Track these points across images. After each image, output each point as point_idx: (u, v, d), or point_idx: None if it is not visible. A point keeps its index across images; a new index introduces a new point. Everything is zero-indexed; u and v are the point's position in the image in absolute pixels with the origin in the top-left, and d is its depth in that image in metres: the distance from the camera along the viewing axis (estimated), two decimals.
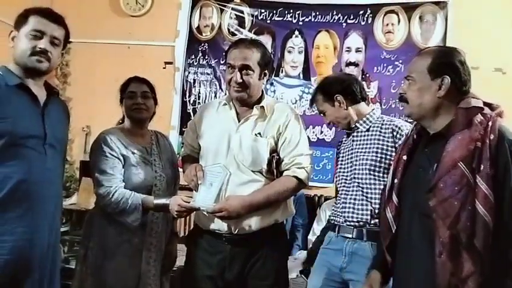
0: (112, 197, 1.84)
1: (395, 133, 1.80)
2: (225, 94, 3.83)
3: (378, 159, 1.80)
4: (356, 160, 1.85)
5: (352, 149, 1.89)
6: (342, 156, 1.95)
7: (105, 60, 3.93)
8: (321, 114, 1.99)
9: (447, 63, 1.36)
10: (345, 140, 1.98)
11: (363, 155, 1.83)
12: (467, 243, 1.21)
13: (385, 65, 3.59)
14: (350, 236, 1.80)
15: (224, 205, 1.69)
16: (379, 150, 1.81)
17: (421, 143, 1.45)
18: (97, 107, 3.73)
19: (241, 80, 1.76)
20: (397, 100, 3.30)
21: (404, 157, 1.45)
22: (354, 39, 3.64)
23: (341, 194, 1.89)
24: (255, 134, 1.78)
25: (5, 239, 1.47)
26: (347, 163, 1.89)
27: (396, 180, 1.45)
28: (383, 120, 1.88)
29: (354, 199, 1.82)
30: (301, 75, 3.77)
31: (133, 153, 1.95)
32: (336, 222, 1.87)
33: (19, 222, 1.49)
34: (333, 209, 1.93)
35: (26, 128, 1.53)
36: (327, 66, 3.72)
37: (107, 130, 1.99)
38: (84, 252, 1.92)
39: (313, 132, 3.64)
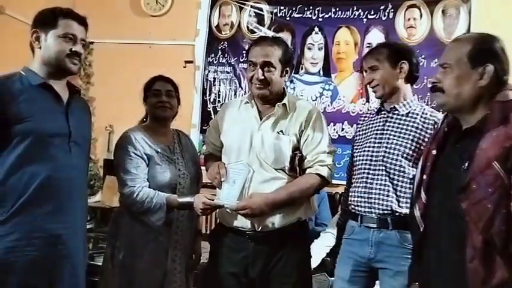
0: (136, 196, 1.85)
1: (436, 126, 1.71)
2: (245, 92, 3.87)
3: (413, 148, 1.73)
4: (387, 143, 1.76)
5: (384, 130, 1.80)
6: (366, 135, 1.86)
7: (127, 60, 3.98)
8: (366, 70, 1.84)
9: (489, 50, 1.27)
10: (373, 118, 1.88)
11: (398, 140, 1.75)
12: (501, 249, 1.14)
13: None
14: (375, 225, 1.74)
15: (247, 203, 1.69)
16: (415, 139, 1.74)
17: (452, 137, 1.36)
18: (119, 107, 3.77)
19: (262, 77, 1.76)
20: (420, 96, 3.24)
21: (434, 151, 1.37)
22: (375, 35, 3.59)
23: (362, 177, 1.80)
24: (277, 132, 1.78)
25: (34, 236, 1.50)
26: (374, 144, 1.80)
27: (425, 177, 1.38)
28: (424, 109, 1.80)
29: (380, 185, 1.74)
30: (321, 72, 3.74)
31: (157, 152, 1.96)
32: (358, 212, 1.79)
33: (47, 218, 1.52)
34: (352, 195, 1.82)
35: (51, 126, 1.55)
36: (348, 62, 3.68)
37: (132, 129, 2.01)
38: (111, 251, 1.94)
39: (334, 129, 3.60)
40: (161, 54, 3.92)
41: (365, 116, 1.97)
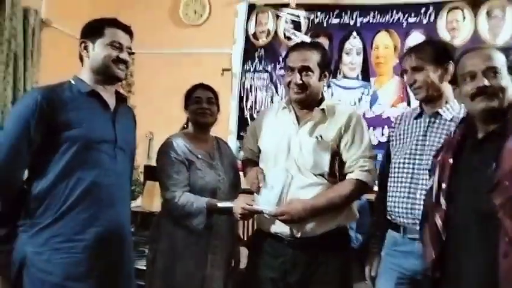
0: (177, 201, 1.90)
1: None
2: (281, 98, 3.88)
3: None
4: (431, 150, 1.69)
5: (426, 136, 1.75)
6: (406, 140, 1.80)
7: (166, 69, 4.08)
8: (407, 70, 1.77)
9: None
10: (412, 121, 1.82)
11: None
12: None
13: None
14: (418, 237, 1.67)
15: (286, 208, 1.69)
16: None
17: (467, 145, 1.42)
18: (159, 114, 3.86)
19: (301, 82, 1.77)
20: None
21: (451, 160, 1.41)
22: (416, 38, 3.50)
23: (404, 186, 1.74)
24: (316, 137, 1.78)
25: (79, 238, 1.55)
26: (416, 151, 1.74)
27: (444, 185, 1.39)
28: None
29: (424, 195, 1.66)
30: (359, 76, 3.68)
31: (198, 157, 2.00)
32: (399, 223, 1.74)
33: (92, 223, 1.57)
34: (392, 205, 1.76)
35: (99, 133, 1.61)
36: (388, 66, 3.61)
37: (173, 135, 2.06)
38: (153, 255, 1.99)
39: (374, 134, 3.53)
40: (200, 62, 3.99)
41: (401, 119, 1.90)
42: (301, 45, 1.85)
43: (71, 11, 3.73)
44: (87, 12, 3.71)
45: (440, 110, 1.76)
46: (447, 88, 1.76)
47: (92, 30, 1.66)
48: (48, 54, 3.47)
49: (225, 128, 3.85)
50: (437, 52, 1.76)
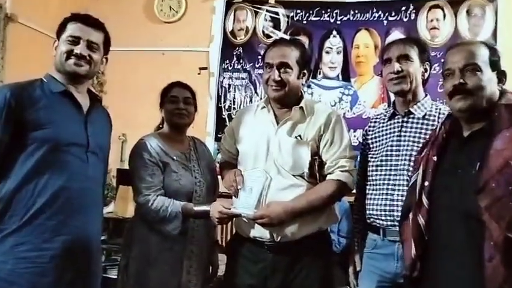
0: (151, 205, 1.87)
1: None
2: (261, 98, 3.88)
3: None
4: (407, 150, 1.75)
5: (401, 136, 1.79)
6: (382, 142, 1.84)
7: (140, 68, 4.05)
8: (392, 59, 1.79)
9: (498, 57, 1.40)
10: (386, 123, 1.87)
11: (418, 145, 1.72)
12: None
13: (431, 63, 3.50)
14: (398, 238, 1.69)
15: (265, 211, 1.69)
16: None
17: (452, 143, 1.42)
18: (132, 115, 3.83)
19: (279, 78, 1.77)
20: (444, 100, 3.19)
21: (435, 158, 1.42)
22: (397, 37, 3.54)
23: (382, 188, 1.78)
24: (295, 137, 1.78)
25: (46, 247, 1.50)
26: (392, 152, 1.79)
27: (427, 183, 1.41)
28: (439, 109, 1.79)
29: (403, 196, 1.69)
30: (340, 76, 3.73)
31: (173, 159, 1.98)
32: (379, 225, 1.78)
33: (60, 230, 1.53)
34: (371, 208, 1.80)
35: (69, 135, 1.58)
36: (368, 66, 3.66)
37: (147, 136, 2.03)
38: (125, 262, 1.95)
39: (355, 135, 3.57)
40: (175, 61, 3.97)
41: (375, 121, 1.95)
42: (280, 42, 1.86)
43: (38, 6, 3.65)
44: (55, 8, 3.65)
45: (411, 109, 1.81)
46: (421, 87, 1.83)
47: (59, 28, 1.64)
48: (14, 50, 3.38)
49: (202, 129, 3.84)
50: (422, 50, 1.83)
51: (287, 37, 3.71)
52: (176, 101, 2.02)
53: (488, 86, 1.37)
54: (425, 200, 1.40)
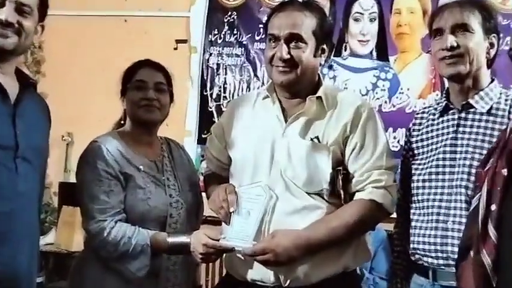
0: (107, 235, 1.87)
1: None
2: (263, 84, 3.88)
3: None
4: (465, 159, 1.75)
5: (457, 140, 1.79)
6: (431, 147, 1.85)
7: (93, 41, 4.05)
8: (445, 30, 1.79)
9: None
10: (436, 121, 1.88)
11: (481, 152, 1.71)
12: None
13: (500, 35, 3.51)
14: (455, 284, 1.66)
15: (269, 244, 1.69)
16: None
17: None
18: (81, 107, 3.84)
19: (288, 56, 1.77)
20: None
21: (504, 171, 1.41)
22: None
23: (431, 212, 1.78)
24: (311, 139, 1.79)
25: None
26: (444, 161, 1.79)
27: (494, 207, 1.40)
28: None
29: (460, 224, 1.70)
30: (374, 54, 3.73)
31: (139, 169, 1.98)
32: (427, 264, 1.78)
33: None
34: (416, 239, 1.82)
35: None
36: (413, 39, 3.66)
37: (103, 137, 2.03)
38: None
39: (395, 137, 3.57)
40: (142, 30, 3.98)
41: (421, 117, 1.96)
42: (289, 5, 1.86)
43: None
44: None
45: (471, 101, 1.81)
46: (485, 68, 1.83)
47: None
48: None
49: (181, 127, 3.84)
50: (488, 16, 1.82)
51: None
52: (144, 88, 2.02)
53: None
54: (491, 231, 1.39)
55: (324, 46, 1.85)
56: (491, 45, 1.82)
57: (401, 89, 3.67)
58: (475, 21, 1.79)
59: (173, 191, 2.02)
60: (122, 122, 2.13)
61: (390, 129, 3.55)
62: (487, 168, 1.50)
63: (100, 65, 3.71)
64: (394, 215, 1.92)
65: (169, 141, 2.19)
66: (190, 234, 1.88)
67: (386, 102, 3.67)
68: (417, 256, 1.82)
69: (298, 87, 1.83)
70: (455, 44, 1.76)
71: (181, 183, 2.06)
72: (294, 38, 1.78)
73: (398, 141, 3.58)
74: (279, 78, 1.81)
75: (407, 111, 3.62)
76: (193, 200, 2.07)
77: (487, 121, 1.78)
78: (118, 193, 1.93)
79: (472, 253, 1.44)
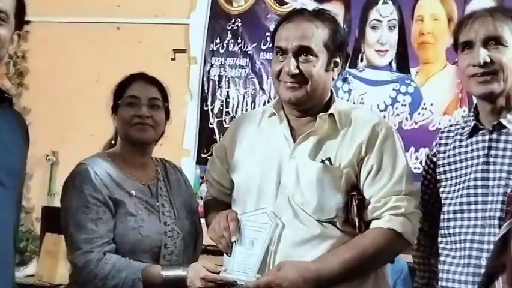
0: (94, 268, 1.87)
1: None
2: (269, 98, 3.87)
3: None
4: (499, 186, 1.73)
5: (488, 164, 1.78)
6: (460, 172, 1.85)
7: (82, 50, 4.06)
8: (475, 43, 1.77)
9: None
10: (464, 141, 1.87)
11: None
12: None
13: None
14: None
15: (274, 277, 1.69)
16: None
17: None
18: (68, 123, 3.85)
19: (296, 71, 1.78)
20: None
21: None
22: (482, 5, 3.58)
23: (462, 248, 1.77)
24: (322, 161, 1.80)
25: None
26: (475, 188, 1.78)
27: None
28: None
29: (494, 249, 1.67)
30: (393, 65, 3.74)
31: (130, 194, 1.98)
32: None
33: None
34: (446, 277, 1.81)
35: None
36: (437, 49, 3.67)
37: (90, 158, 2.03)
38: None
39: (417, 157, 3.57)
40: (136, 39, 4.00)
41: (447, 136, 1.95)
42: (298, 14, 1.88)
43: None
44: None
45: (503, 121, 1.79)
46: None
47: None
48: None
49: (178, 145, 3.85)
50: None
51: (312, 4, 3.74)
52: (137, 104, 2.03)
53: None
54: None
55: (337, 59, 1.86)
56: None
57: (424, 104, 3.67)
58: (509, 33, 1.77)
59: (168, 218, 2.02)
60: (113, 142, 2.13)
61: (412, 149, 3.56)
62: None
63: (89, 78, 3.73)
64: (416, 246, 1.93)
65: (165, 162, 2.19)
66: (187, 266, 1.88)
67: (407, 118, 3.67)
68: None
69: (309, 105, 1.84)
70: (488, 60, 1.74)
71: (177, 209, 2.06)
72: (303, 51, 1.79)
73: (421, 163, 3.56)
74: (287, 94, 1.82)
75: (430, 129, 3.62)
76: (191, 228, 2.08)
77: None
78: (107, 221, 1.93)
79: (500, 283, 1.45)
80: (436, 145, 1.97)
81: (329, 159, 1.80)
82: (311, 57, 1.80)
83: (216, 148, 2.07)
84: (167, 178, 2.13)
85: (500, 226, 1.68)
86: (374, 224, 1.78)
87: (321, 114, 1.82)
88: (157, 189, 2.07)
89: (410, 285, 3.14)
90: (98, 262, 1.88)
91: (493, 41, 1.76)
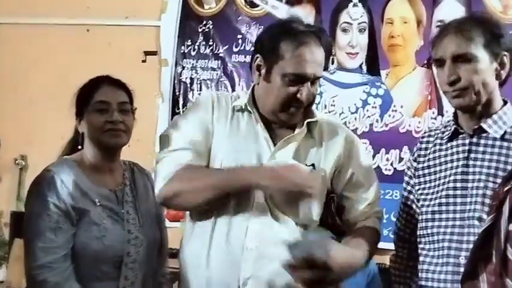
0: (47, 279, 1.85)
1: None
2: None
3: None
4: (478, 188, 1.76)
5: (468, 167, 1.81)
6: (439, 175, 1.87)
7: (50, 52, 4.01)
8: (446, 60, 1.80)
9: None
10: (444, 146, 1.90)
11: (494, 180, 1.73)
12: None
13: None
14: None
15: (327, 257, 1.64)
16: None
17: None
18: (36, 126, 3.81)
19: (308, 97, 1.83)
20: None
21: None
22: (451, 8, 3.61)
23: (441, 247, 1.80)
24: (306, 165, 1.83)
25: None
26: (455, 190, 1.81)
27: None
28: None
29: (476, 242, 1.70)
30: (364, 68, 3.75)
31: (95, 203, 1.95)
32: None
33: None
34: (425, 276, 1.84)
35: None
36: (407, 51, 3.68)
37: (58, 165, 2.00)
38: None
39: (388, 159, 3.57)
40: (106, 41, 3.96)
41: (427, 140, 1.97)
42: (311, 37, 1.86)
43: None
44: None
45: (484, 125, 1.81)
46: (497, 90, 1.83)
47: None
48: None
49: (149, 148, 3.79)
50: (492, 34, 1.80)
51: (282, 7, 3.72)
52: (108, 110, 1.99)
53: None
54: (510, 253, 1.39)
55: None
56: (502, 65, 1.80)
57: (394, 106, 3.68)
58: (477, 46, 1.77)
59: (132, 226, 1.99)
60: (76, 145, 2.08)
61: (383, 151, 3.57)
62: (507, 187, 1.48)
63: (58, 80, 3.67)
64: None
65: (134, 167, 2.17)
66: (150, 274, 1.91)
67: (377, 121, 3.67)
68: None
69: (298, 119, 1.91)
70: (455, 78, 1.77)
71: (142, 216, 2.04)
72: (316, 79, 1.86)
73: (392, 164, 3.58)
74: (286, 116, 1.85)
75: (400, 131, 3.63)
76: (156, 235, 2.07)
77: (500, 147, 1.79)
78: (66, 231, 1.90)
79: (486, 277, 1.45)
80: (417, 150, 1.99)
81: (313, 165, 1.83)
82: (318, 82, 1.88)
83: (195, 114, 1.93)
84: (134, 183, 2.11)
85: (480, 227, 1.69)
86: (360, 224, 1.89)
87: (308, 120, 1.86)
88: (123, 195, 2.04)
89: (380, 285, 3.15)
90: (51, 272, 1.86)
91: (461, 58, 1.77)
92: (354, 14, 3.78)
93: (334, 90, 3.78)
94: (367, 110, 3.71)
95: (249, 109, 1.87)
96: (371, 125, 3.66)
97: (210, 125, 1.88)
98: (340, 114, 3.67)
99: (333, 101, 3.74)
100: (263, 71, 1.86)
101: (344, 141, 1.88)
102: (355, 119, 3.66)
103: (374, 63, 3.74)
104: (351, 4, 3.78)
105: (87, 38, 4.02)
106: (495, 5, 3.58)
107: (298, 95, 1.80)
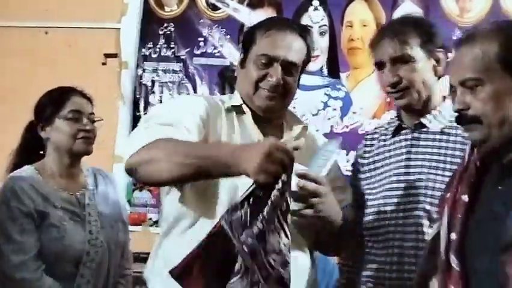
0: (24, 277, 1.90)
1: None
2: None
3: None
4: (420, 180, 1.83)
5: (409, 160, 1.88)
6: (381, 170, 1.93)
7: (7, 54, 3.95)
8: (386, 63, 1.86)
9: None
10: (387, 141, 1.96)
11: (436, 172, 1.81)
12: None
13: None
14: None
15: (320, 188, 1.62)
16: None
17: (489, 175, 1.45)
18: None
19: (282, 82, 1.78)
20: None
21: (465, 197, 1.44)
22: (409, 10, 3.64)
23: (385, 238, 1.85)
24: None
25: None
26: (398, 183, 1.87)
27: (454, 235, 1.42)
28: None
29: (417, 248, 1.77)
30: (324, 70, 3.79)
31: (55, 206, 2.01)
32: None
33: None
34: (367, 267, 1.89)
35: None
36: (366, 54, 3.62)
37: (18, 173, 2.05)
38: None
39: (348, 160, 3.61)
40: (65, 44, 3.93)
41: (372, 137, 2.04)
42: (285, 24, 1.88)
43: None
44: None
45: (424, 120, 1.89)
46: (436, 86, 1.91)
47: None
48: None
49: (110, 151, 3.78)
50: (426, 34, 1.89)
51: (244, 10, 3.74)
52: (80, 119, 2.09)
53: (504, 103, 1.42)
54: (454, 262, 1.41)
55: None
56: (438, 61, 1.89)
57: (354, 108, 3.74)
58: (413, 46, 1.85)
59: (94, 227, 2.05)
60: (41, 152, 2.14)
61: (343, 152, 3.60)
62: (448, 195, 1.52)
63: (15, 85, 3.63)
64: None
65: (96, 171, 2.22)
66: (109, 275, 1.96)
67: (337, 123, 3.72)
68: (369, 285, 1.88)
69: (277, 115, 1.89)
70: (396, 80, 1.84)
71: (103, 219, 2.08)
72: (289, 65, 1.81)
73: (352, 165, 3.62)
74: (265, 102, 1.81)
75: (360, 133, 3.65)
76: (117, 237, 2.10)
77: (440, 140, 1.87)
78: (33, 232, 1.97)
79: (435, 284, 1.48)
80: (362, 146, 2.06)
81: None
82: (294, 71, 1.83)
83: (190, 105, 1.84)
84: (97, 187, 2.15)
85: (421, 217, 1.79)
86: None
87: (302, 125, 1.90)
88: (85, 198, 2.09)
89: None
90: (34, 282, 1.91)
91: (399, 60, 1.84)
92: (315, 17, 3.81)
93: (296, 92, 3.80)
94: (328, 112, 3.76)
95: (243, 109, 1.85)
96: (332, 127, 3.71)
97: (204, 118, 1.78)
98: (301, 116, 3.70)
99: (294, 103, 3.76)
100: (241, 61, 1.89)
101: (317, 142, 1.92)
102: (317, 120, 3.70)
103: (334, 66, 3.79)
104: (311, 8, 3.81)
105: (46, 41, 3.98)
106: (452, 8, 3.65)
107: (269, 77, 1.78)
